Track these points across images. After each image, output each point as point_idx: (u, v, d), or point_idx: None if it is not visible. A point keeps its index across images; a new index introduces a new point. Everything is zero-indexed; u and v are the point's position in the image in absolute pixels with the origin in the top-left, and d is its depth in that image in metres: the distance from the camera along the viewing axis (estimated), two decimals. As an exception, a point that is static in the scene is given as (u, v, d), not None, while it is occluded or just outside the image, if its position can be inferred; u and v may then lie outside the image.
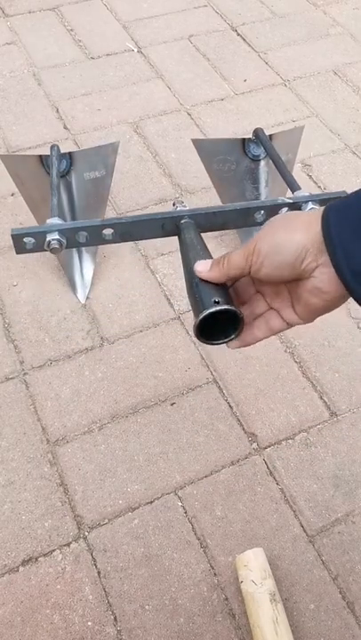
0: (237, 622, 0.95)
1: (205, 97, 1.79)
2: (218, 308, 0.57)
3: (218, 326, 0.59)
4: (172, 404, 1.18)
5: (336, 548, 1.03)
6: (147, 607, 0.96)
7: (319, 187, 1.58)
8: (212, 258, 0.66)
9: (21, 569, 0.99)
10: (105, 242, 0.81)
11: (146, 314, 1.31)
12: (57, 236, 0.82)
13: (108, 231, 0.79)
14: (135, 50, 1.93)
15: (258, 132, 1.24)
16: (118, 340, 1.27)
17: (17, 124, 1.68)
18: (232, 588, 0.98)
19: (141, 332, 1.28)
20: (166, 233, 0.79)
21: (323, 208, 0.54)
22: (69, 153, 1.24)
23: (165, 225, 0.78)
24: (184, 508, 1.06)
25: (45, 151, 1.25)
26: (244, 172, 1.30)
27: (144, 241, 1.43)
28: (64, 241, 0.82)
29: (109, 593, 0.97)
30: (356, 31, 2.05)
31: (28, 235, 0.82)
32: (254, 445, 1.13)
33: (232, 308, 0.58)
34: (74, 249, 1.31)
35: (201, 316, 0.57)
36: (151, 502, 1.06)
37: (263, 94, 1.82)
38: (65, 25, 2.00)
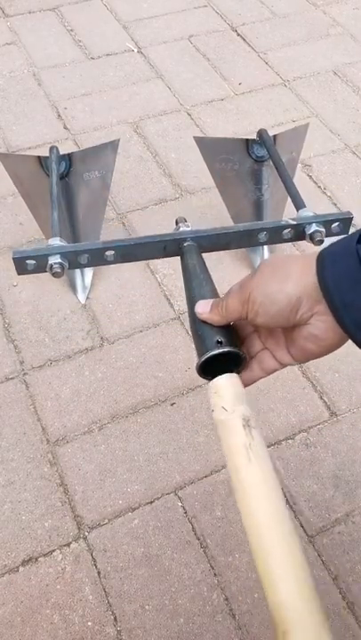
0: (238, 622, 0.95)
1: (205, 97, 1.79)
2: (221, 350, 0.58)
3: (219, 362, 0.60)
4: (172, 404, 1.18)
5: (336, 548, 1.03)
6: (147, 607, 0.96)
7: (319, 187, 1.58)
8: (214, 287, 0.66)
9: (21, 569, 0.99)
10: (107, 263, 0.81)
11: (146, 314, 1.31)
12: (59, 260, 0.82)
13: (109, 252, 0.79)
14: (135, 50, 1.93)
15: (262, 134, 1.23)
16: (118, 340, 1.27)
17: (17, 123, 1.68)
18: (232, 588, 0.98)
19: (141, 332, 1.28)
20: (168, 254, 0.79)
21: (315, 255, 0.53)
22: (69, 154, 1.23)
23: (168, 246, 0.77)
24: (184, 508, 1.06)
25: (45, 151, 1.25)
26: (247, 173, 1.29)
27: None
28: (66, 264, 0.82)
29: (109, 593, 0.97)
30: (356, 31, 2.05)
31: (29, 257, 0.82)
32: (254, 445, 1.13)
33: (235, 350, 0.58)
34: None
35: (203, 358, 0.58)
36: (151, 502, 1.06)
37: (263, 94, 1.82)
38: (65, 25, 2.00)
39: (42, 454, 1.11)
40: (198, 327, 0.61)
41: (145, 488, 1.08)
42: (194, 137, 1.25)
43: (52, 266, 0.82)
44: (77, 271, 1.32)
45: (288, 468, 1.11)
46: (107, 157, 1.25)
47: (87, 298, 1.33)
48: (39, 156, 1.21)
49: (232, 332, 0.61)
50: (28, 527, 1.03)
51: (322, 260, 0.52)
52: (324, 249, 0.53)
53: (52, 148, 1.21)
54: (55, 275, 0.82)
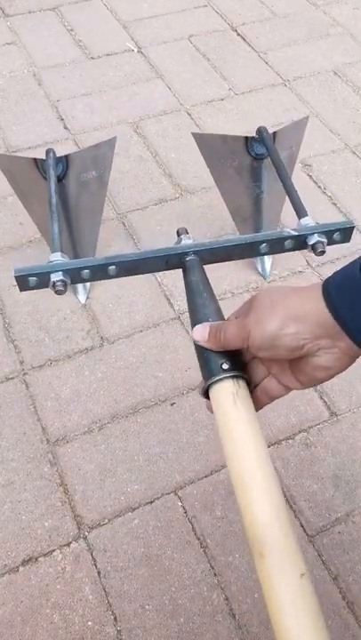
0: (238, 622, 0.95)
1: (205, 97, 1.79)
2: (225, 375, 0.57)
3: None
4: (172, 404, 1.18)
5: (336, 547, 1.03)
6: (147, 607, 0.96)
7: (319, 187, 1.58)
8: (217, 307, 0.65)
9: (21, 569, 0.99)
10: (109, 277, 0.81)
11: (146, 314, 1.31)
12: (61, 277, 0.81)
13: (112, 268, 0.79)
14: (135, 50, 1.93)
15: (262, 132, 1.22)
16: (118, 339, 1.27)
17: (17, 123, 1.68)
18: (232, 588, 0.98)
19: (141, 331, 1.28)
20: (170, 267, 0.79)
21: (314, 288, 0.52)
22: (65, 156, 1.21)
23: (170, 260, 0.78)
24: (184, 508, 1.06)
25: (46, 151, 1.25)
26: (246, 170, 1.29)
27: (144, 241, 1.43)
28: (68, 280, 0.82)
29: (109, 593, 0.97)
30: (356, 31, 2.05)
31: (31, 275, 0.82)
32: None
33: (239, 374, 0.58)
34: (71, 245, 1.30)
35: (208, 383, 0.58)
36: (151, 502, 1.06)
37: (263, 94, 1.82)
38: (65, 25, 2.00)
39: (42, 454, 1.11)
40: (202, 349, 0.61)
41: (145, 488, 1.08)
42: (192, 133, 1.25)
43: (54, 283, 0.81)
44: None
45: (288, 468, 1.11)
46: (104, 156, 1.24)
47: (87, 298, 1.33)
48: (35, 159, 1.20)
49: (237, 353, 0.60)
50: (28, 527, 1.03)
51: (330, 294, 0.51)
52: (328, 284, 0.52)
53: (48, 152, 1.18)
54: (58, 292, 0.82)
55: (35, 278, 0.82)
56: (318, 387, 1.21)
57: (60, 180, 1.20)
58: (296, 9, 2.12)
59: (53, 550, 1.01)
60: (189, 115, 1.74)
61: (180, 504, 1.06)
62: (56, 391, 1.19)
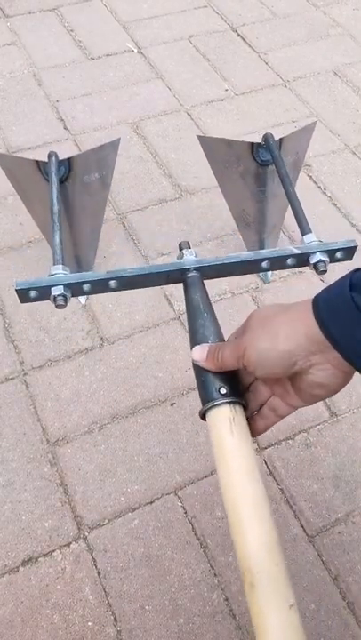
0: (238, 623, 0.95)
1: (205, 97, 1.79)
2: (223, 400, 0.58)
3: None
4: (172, 405, 1.18)
5: (336, 548, 1.03)
6: (147, 607, 0.96)
7: (319, 187, 1.58)
8: (217, 327, 0.66)
9: (21, 569, 0.99)
10: (110, 290, 0.81)
11: (146, 314, 1.31)
12: (62, 291, 0.81)
13: (113, 282, 0.79)
14: (135, 50, 1.93)
15: (268, 139, 1.21)
16: (118, 340, 1.27)
17: (17, 124, 1.68)
18: (232, 588, 0.98)
19: (141, 332, 1.28)
20: (171, 281, 0.79)
21: (305, 307, 0.53)
22: (68, 159, 1.20)
23: (171, 275, 0.78)
24: (184, 509, 1.06)
25: (46, 151, 1.24)
26: (251, 175, 1.28)
27: (144, 241, 1.43)
28: (69, 295, 0.82)
29: (109, 593, 0.97)
30: (356, 32, 2.05)
31: (32, 288, 0.82)
32: (254, 446, 1.13)
33: (236, 399, 0.59)
34: (72, 247, 1.30)
35: (205, 408, 0.59)
36: (151, 502, 1.06)
37: (263, 95, 1.82)
38: (65, 25, 2.00)
39: (42, 454, 1.11)
40: (201, 371, 0.61)
41: (145, 488, 1.08)
42: (198, 136, 1.24)
43: (55, 297, 0.82)
44: (77, 271, 1.32)
45: (288, 469, 1.11)
46: (107, 158, 1.24)
47: (87, 298, 1.33)
48: (37, 160, 1.19)
49: (235, 377, 0.61)
50: (28, 527, 1.03)
51: (319, 313, 0.52)
52: (318, 300, 0.53)
53: (50, 155, 1.17)
54: (58, 307, 0.82)
55: (35, 292, 0.82)
56: (318, 387, 1.21)
57: (62, 182, 1.20)
58: (296, 9, 2.12)
59: (53, 550, 1.01)
60: (189, 115, 1.74)
61: (180, 504, 1.06)
62: (56, 391, 1.19)
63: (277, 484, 1.09)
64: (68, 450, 1.11)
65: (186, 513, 1.05)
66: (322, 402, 1.19)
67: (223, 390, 0.59)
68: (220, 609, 0.96)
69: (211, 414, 0.59)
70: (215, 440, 0.58)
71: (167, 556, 1.01)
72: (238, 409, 0.58)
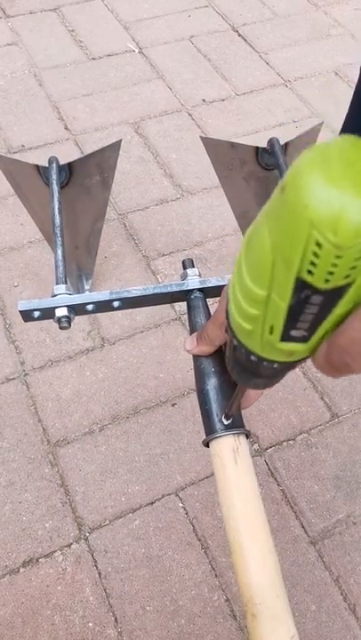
0: (239, 623, 0.95)
1: (206, 97, 1.79)
2: (225, 433, 0.59)
3: None
4: (173, 405, 1.18)
5: (337, 549, 1.02)
6: (148, 608, 0.96)
7: (320, 187, 1.58)
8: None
9: (22, 570, 0.99)
10: (113, 309, 0.82)
11: (147, 314, 1.31)
12: (65, 313, 0.82)
13: (116, 302, 0.80)
14: (136, 50, 1.93)
15: (273, 145, 1.20)
16: (119, 340, 1.27)
17: (18, 124, 1.68)
18: (233, 589, 0.98)
19: (142, 332, 1.28)
20: (174, 300, 0.80)
21: None
22: (68, 163, 1.19)
23: (174, 295, 0.79)
24: (185, 509, 1.06)
25: (46, 151, 1.24)
26: (255, 178, 1.28)
27: (145, 241, 1.43)
28: (73, 316, 0.83)
29: (110, 594, 0.97)
30: (357, 32, 2.05)
31: (36, 310, 0.82)
32: (255, 446, 1.13)
33: (240, 430, 0.60)
34: (73, 249, 1.30)
35: (210, 438, 0.60)
36: (152, 503, 1.06)
37: (264, 95, 1.82)
38: (66, 25, 2.00)
39: (42, 455, 1.11)
40: (206, 397, 0.62)
41: (146, 489, 1.08)
42: (201, 137, 1.24)
43: (59, 319, 0.82)
44: (77, 273, 1.32)
45: (289, 469, 1.11)
46: (108, 160, 1.23)
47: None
48: (37, 165, 1.18)
49: (239, 404, 0.61)
50: (29, 528, 1.03)
51: None
52: None
53: (51, 161, 1.14)
54: (62, 328, 0.84)
55: (39, 312, 0.83)
56: (319, 387, 1.21)
57: (62, 187, 1.18)
58: (297, 9, 2.12)
59: (54, 551, 1.01)
60: (190, 115, 1.74)
61: (181, 505, 1.06)
62: (57, 392, 1.19)
63: (278, 484, 1.09)
64: (69, 450, 1.11)
65: (187, 513, 1.05)
66: (323, 403, 1.19)
67: (227, 421, 0.60)
68: (221, 610, 0.96)
69: (215, 444, 0.60)
70: (218, 469, 0.59)
71: (168, 557, 1.01)
72: (242, 439, 0.60)
